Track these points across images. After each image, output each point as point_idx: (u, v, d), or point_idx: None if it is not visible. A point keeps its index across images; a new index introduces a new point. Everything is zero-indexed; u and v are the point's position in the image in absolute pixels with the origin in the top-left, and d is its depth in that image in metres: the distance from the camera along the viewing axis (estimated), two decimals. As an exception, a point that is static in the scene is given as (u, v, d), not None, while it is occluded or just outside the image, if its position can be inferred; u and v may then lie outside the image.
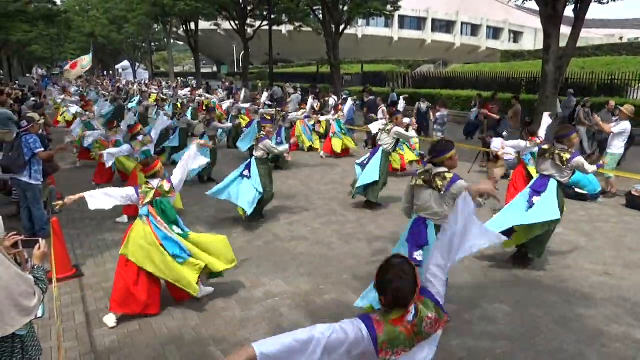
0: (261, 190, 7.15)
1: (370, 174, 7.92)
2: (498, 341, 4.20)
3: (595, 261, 6.00)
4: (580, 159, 5.48)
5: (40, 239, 2.84)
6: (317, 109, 16.76)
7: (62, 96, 20.81)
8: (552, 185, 5.56)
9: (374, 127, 10.33)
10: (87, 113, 11.88)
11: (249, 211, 7.02)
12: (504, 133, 10.90)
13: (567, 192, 8.90)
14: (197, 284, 4.60)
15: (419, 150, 12.05)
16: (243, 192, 7.09)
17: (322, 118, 14.32)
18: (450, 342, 4.17)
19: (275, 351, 1.96)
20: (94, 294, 5.21)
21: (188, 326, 4.52)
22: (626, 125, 8.45)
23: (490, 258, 6.09)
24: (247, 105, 14.90)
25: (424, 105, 14.24)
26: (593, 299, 5.02)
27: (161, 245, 4.52)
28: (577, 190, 8.73)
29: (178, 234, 4.66)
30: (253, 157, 7.35)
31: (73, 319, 4.70)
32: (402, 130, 8.02)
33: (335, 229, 7.25)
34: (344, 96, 18.29)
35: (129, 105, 19.94)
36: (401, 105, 11.72)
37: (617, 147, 8.61)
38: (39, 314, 4.72)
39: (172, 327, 4.51)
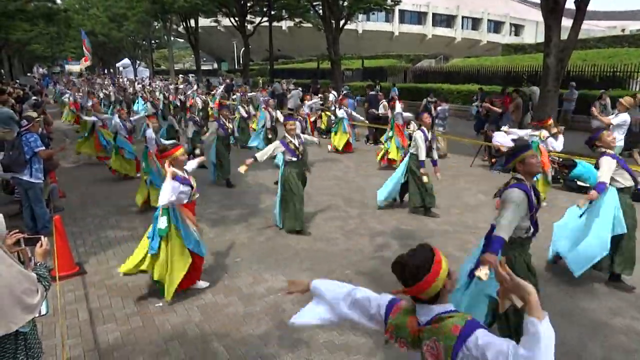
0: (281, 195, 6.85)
1: (395, 179, 7.74)
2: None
3: (598, 254, 5.98)
4: (605, 160, 4.96)
5: (42, 237, 2.84)
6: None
7: (67, 94, 20.87)
8: (610, 194, 4.99)
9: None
10: (102, 117, 11.88)
11: (276, 222, 6.96)
12: (506, 127, 10.87)
13: (569, 185, 8.91)
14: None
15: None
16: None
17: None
18: (453, 336, 4.17)
19: (323, 289, 2.53)
20: (97, 291, 5.23)
21: (191, 322, 4.53)
22: (625, 117, 8.42)
23: (492, 252, 6.08)
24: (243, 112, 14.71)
25: (432, 101, 14.26)
26: (596, 292, 5.01)
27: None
28: (579, 183, 8.70)
29: (160, 228, 4.72)
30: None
31: (77, 316, 4.71)
32: (420, 141, 7.29)
33: (338, 225, 7.24)
34: (345, 91, 18.26)
35: (135, 107, 19.99)
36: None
37: (616, 139, 8.56)
38: (43, 312, 4.74)
39: (175, 323, 4.52)
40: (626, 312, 4.57)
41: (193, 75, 41.93)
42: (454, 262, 5.75)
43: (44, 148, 6.71)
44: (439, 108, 13.35)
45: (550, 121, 8.01)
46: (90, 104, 13.59)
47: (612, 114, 8.99)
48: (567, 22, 11.24)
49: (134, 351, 4.09)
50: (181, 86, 24.92)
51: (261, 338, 4.23)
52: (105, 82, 33.85)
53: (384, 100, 14.05)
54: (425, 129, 7.38)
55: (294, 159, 6.67)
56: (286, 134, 6.70)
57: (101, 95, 21.25)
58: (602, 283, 5.19)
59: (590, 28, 48.32)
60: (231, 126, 9.86)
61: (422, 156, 7.28)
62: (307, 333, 4.28)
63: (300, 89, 21.52)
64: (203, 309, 4.76)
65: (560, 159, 9.37)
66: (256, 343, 4.15)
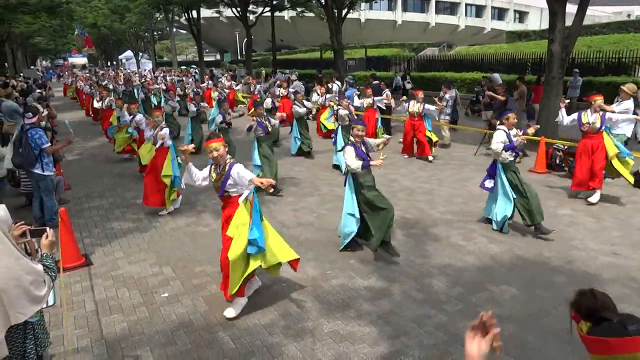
0: (352, 212, 5.58)
1: (505, 197, 6.23)
2: (505, 323, 4.21)
3: (602, 242, 5.98)
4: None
5: (47, 228, 2.87)
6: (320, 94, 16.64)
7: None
8: None
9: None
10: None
11: (342, 244, 5.79)
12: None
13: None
14: None
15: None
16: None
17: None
18: (457, 324, 4.20)
19: None
20: (103, 283, 5.27)
21: (197, 312, 4.57)
22: (628, 105, 8.29)
23: (495, 241, 6.09)
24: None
25: (452, 94, 14.08)
26: (601, 280, 5.00)
27: None
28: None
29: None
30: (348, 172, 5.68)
31: (84, 307, 4.76)
32: (502, 136, 6.09)
33: (341, 215, 7.23)
34: (350, 81, 18.17)
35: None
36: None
37: (621, 127, 8.48)
38: (50, 302, 4.79)
39: (181, 313, 4.56)
40: (631, 300, 4.57)
41: (194, 67, 41.83)
42: (457, 251, 5.78)
43: (49, 144, 6.76)
44: (446, 95, 13.23)
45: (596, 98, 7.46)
46: (107, 101, 13.44)
47: (615, 102, 8.89)
48: (571, 8, 11.13)
49: (141, 341, 4.13)
50: (183, 79, 24.90)
51: (266, 328, 4.26)
52: (111, 73, 33.91)
53: (387, 90, 13.97)
54: (506, 128, 6.18)
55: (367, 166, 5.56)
56: (353, 138, 5.61)
57: (110, 87, 21.32)
58: (608, 270, 5.19)
59: (596, 14, 47.74)
60: (270, 124, 8.39)
61: (498, 155, 6.18)
62: (312, 323, 4.31)
63: (300, 82, 21.39)
64: (208, 300, 4.80)
65: (565, 147, 9.34)
66: (261, 332, 4.18)
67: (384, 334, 4.09)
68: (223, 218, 4.53)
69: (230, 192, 4.38)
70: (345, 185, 5.72)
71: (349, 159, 5.43)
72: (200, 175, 4.63)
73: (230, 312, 4.40)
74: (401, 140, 12.77)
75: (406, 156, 11.05)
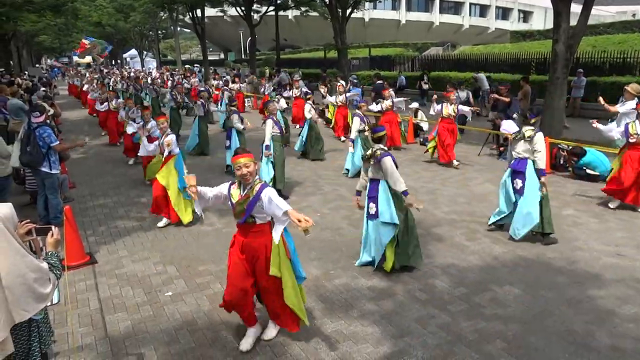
0: (389, 219, 5.04)
1: (532, 203, 5.82)
2: (509, 324, 4.21)
3: (606, 242, 5.96)
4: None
5: (52, 227, 2.89)
6: (324, 94, 16.62)
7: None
8: None
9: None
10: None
11: (375, 261, 5.29)
12: (514, 115, 10.80)
13: (578, 173, 8.85)
14: None
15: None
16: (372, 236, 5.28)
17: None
18: (460, 324, 4.20)
19: None
20: (107, 281, 5.29)
21: (200, 311, 4.58)
22: (633, 105, 8.28)
23: (499, 241, 6.08)
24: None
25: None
26: (604, 280, 5.00)
27: None
28: (588, 171, 8.65)
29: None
30: (379, 181, 5.16)
31: (88, 305, 4.78)
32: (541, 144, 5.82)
33: (345, 214, 7.25)
34: (354, 81, 18.17)
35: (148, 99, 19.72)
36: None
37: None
38: (55, 300, 4.84)
39: (185, 312, 4.58)
40: (634, 300, 4.56)
41: (197, 65, 41.89)
42: (461, 251, 5.77)
43: (58, 142, 6.80)
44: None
45: None
46: (111, 105, 13.24)
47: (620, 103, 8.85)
48: (576, 8, 11.07)
49: (145, 339, 4.15)
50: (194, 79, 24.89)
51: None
52: (116, 71, 33.96)
53: (391, 89, 13.96)
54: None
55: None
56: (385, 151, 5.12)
57: (111, 83, 21.40)
58: (611, 271, 5.17)
59: (600, 13, 47.61)
60: (282, 121, 8.00)
61: (542, 163, 5.83)
62: (315, 322, 4.32)
63: (302, 82, 21.36)
64: (212, 299, 4.81)
65: (569, 147, 9.31)
66: (265, 331, 4.19)
67: (387, 334, 4.10)
68: (238, 245, 3.84)
69: (256, 217, 3.72)
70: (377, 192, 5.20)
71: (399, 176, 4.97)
72: (213, 193, 3.90)
73: (270, 334, 4.11)
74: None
75: (451, 165, 10.01)
